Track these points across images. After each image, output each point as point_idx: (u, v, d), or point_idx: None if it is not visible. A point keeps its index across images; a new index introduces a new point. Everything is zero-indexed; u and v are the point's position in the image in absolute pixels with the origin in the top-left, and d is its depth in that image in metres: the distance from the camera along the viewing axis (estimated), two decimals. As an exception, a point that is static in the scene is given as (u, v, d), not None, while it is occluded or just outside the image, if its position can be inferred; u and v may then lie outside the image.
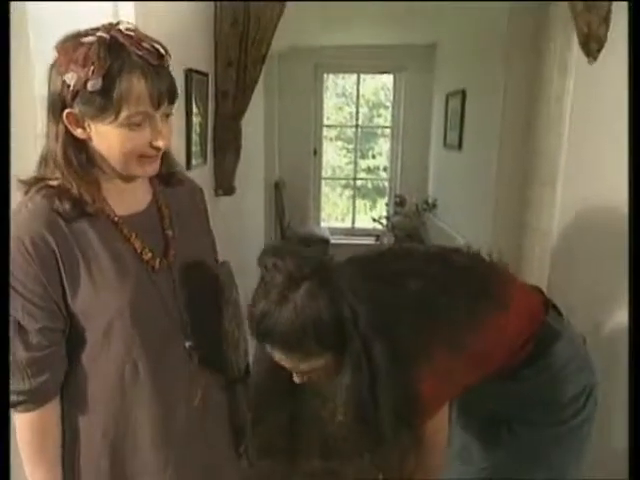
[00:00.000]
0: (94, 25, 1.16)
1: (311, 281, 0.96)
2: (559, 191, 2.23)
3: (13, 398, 0.90)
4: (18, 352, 0.88)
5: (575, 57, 2.10)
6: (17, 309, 0.87)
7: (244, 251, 3.15)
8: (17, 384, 0.89)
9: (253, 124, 2.74)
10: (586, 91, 2.04)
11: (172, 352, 0.99)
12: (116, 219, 0.93)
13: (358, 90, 5.55)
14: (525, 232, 2.91)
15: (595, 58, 1.87)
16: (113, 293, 0.90)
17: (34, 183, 0.90)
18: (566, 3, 1.88)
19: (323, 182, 5.74)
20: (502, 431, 1.29)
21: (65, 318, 0.91)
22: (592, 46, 1.83)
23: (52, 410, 0.94)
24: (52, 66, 0.86)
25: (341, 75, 5.78)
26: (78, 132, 0.87)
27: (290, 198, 5.21)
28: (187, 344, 1.01)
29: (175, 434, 1.01)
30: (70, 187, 0.87)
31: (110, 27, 0.85)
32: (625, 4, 1.73)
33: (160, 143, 0.90)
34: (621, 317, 1.77)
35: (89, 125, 0.86)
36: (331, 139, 5.91)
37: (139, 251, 0.94)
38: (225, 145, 2.16)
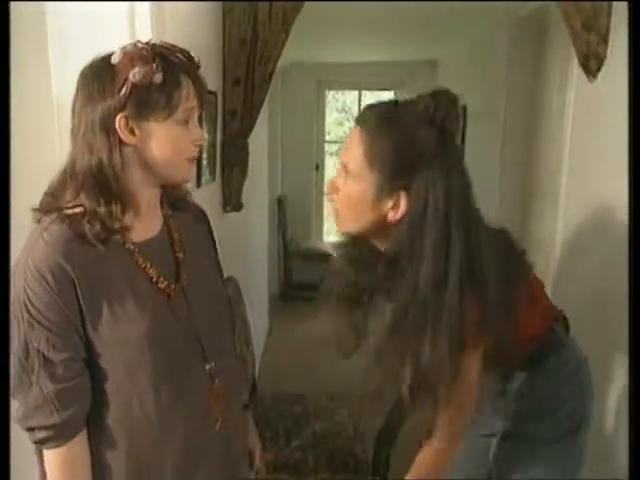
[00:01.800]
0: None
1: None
2: (561, 203, 2.26)
3: (42, 434, 0.88)
4: (45, 385, 0.86)
5: (575, 73, 2.14)
6: (41, 341, 0.85)
7: (249, 265, 3.18)
8: (45, 419, 0.87)
9: (257, 140, 2.78)
10: (587, 106, 2.08)
11: (193, 377, 0.99)
12: (132, 247, 0.93)
13: (360, 106, 5.61)
14: (527, 243, 2.94)
15: (595, 76, 1.91)
16: (133, 324, 0.90)
17: (49, 211, 0.89)
18: (565, 22, 1.92)
19: (324, 197, 5.79)
20: (491, 446, 1.29)
21: (86, 347, 0.90)
22: (592, 64, 1.88)
23: (80, 443, 0.93)
24: (97, 80, 0.86)
25: (341, 91, 5.86)
26: (129, 138, 0.87)
27: (292, 213, 5.25)
28: (207, 367, 1.01)
29: (199, 458, 1.01)
30: (99, 205, 0.86)
31: (144, 42, 0.89)
32: (623, 24, 1.77)
33: (203, 141, 0.96)
34: (624, 326, 1.78)
35: (139, 128, 0.87)
36: (331, 154, 5.96)
37: (155, 280, 0.94)
38: (233, 162, 2.20)
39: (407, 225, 0.98)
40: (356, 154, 1.01)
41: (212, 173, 2.02)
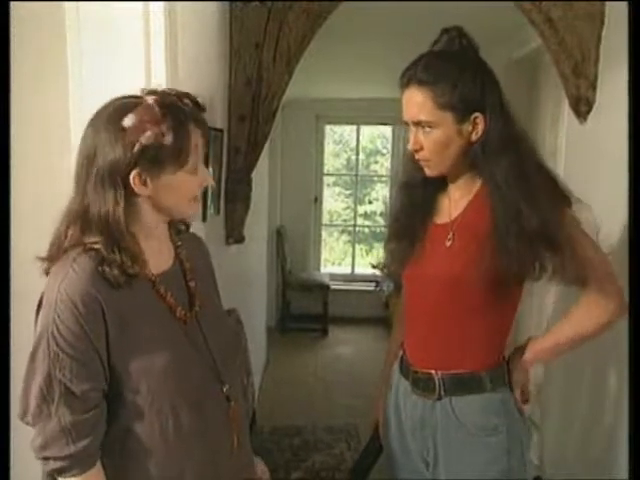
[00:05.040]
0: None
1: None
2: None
3: (57, 465, 0.90)
4: (64, 416, 0.88)
5: (566, 115, 2.23)
6: (65, 372, 0.87)
7: (248, 296, 3.21)
8: (61, 449, 0.89)
9: (257, 174, 2.84)
10: (578, 146, 2.16)
11: (211, 400, 1.02)
12: (153, 278, 0.97)
13: (358, 140, 5.73)
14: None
15: (585, 118, 2.00)
16: (156, 352, 0.94)
17: (70, 248, 0.92)
18: (556, 67, 2.02)
19: (323, 228, 5.86)
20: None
21: (107, 378, 0.92)
22: (582, 108, 1.97)
23: (97, 472, 0.93)
24: (106, 138, 0.89)
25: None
26: (143, 190, 0.91)
27: (291, 244, 5.31)
28: (225, 389, 1.04)
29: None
30: (112, 252, 0.89)
31: (149, 90, 0.94)
32: (611, 69, 1.87)
33: (207, 183, 1.03)
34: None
35: (152, 181, 0.92)
36: (328, 185, 6.05)
37: (173, 309, 0.99)
38: (236, 197, 2.26)
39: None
40: (425, 107, 1.16)
41: (217, 207, 2.08)
